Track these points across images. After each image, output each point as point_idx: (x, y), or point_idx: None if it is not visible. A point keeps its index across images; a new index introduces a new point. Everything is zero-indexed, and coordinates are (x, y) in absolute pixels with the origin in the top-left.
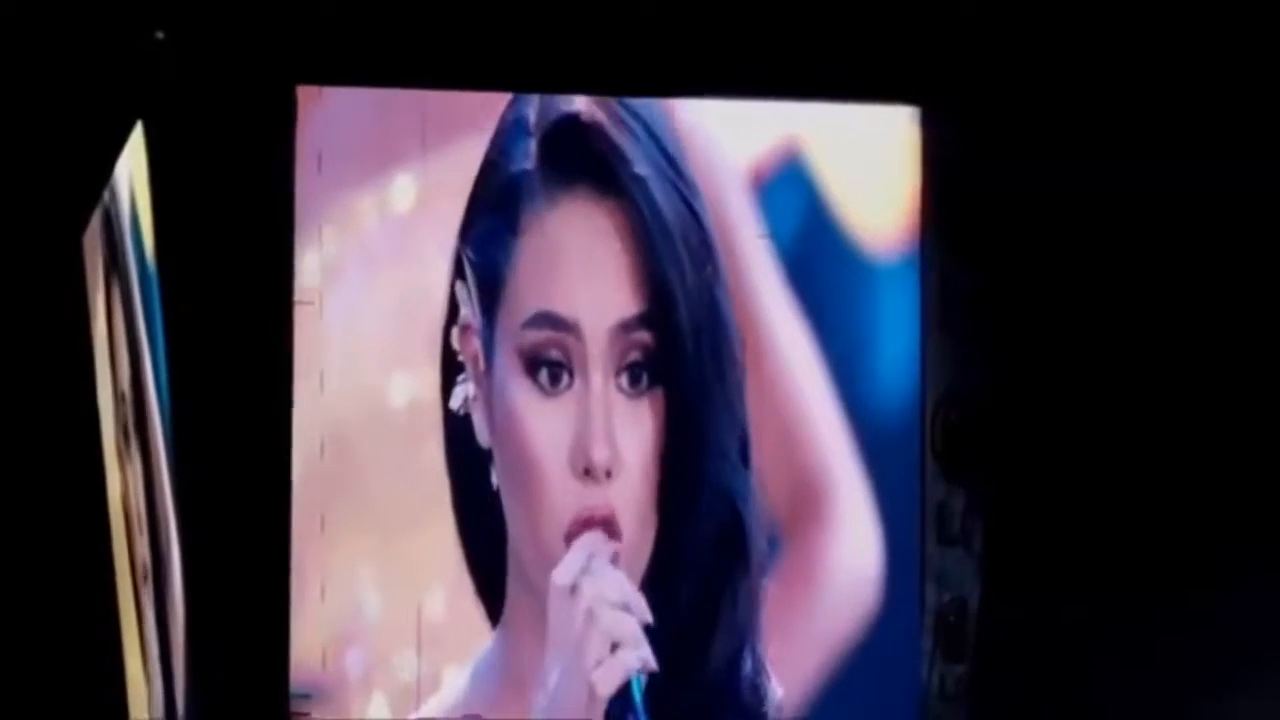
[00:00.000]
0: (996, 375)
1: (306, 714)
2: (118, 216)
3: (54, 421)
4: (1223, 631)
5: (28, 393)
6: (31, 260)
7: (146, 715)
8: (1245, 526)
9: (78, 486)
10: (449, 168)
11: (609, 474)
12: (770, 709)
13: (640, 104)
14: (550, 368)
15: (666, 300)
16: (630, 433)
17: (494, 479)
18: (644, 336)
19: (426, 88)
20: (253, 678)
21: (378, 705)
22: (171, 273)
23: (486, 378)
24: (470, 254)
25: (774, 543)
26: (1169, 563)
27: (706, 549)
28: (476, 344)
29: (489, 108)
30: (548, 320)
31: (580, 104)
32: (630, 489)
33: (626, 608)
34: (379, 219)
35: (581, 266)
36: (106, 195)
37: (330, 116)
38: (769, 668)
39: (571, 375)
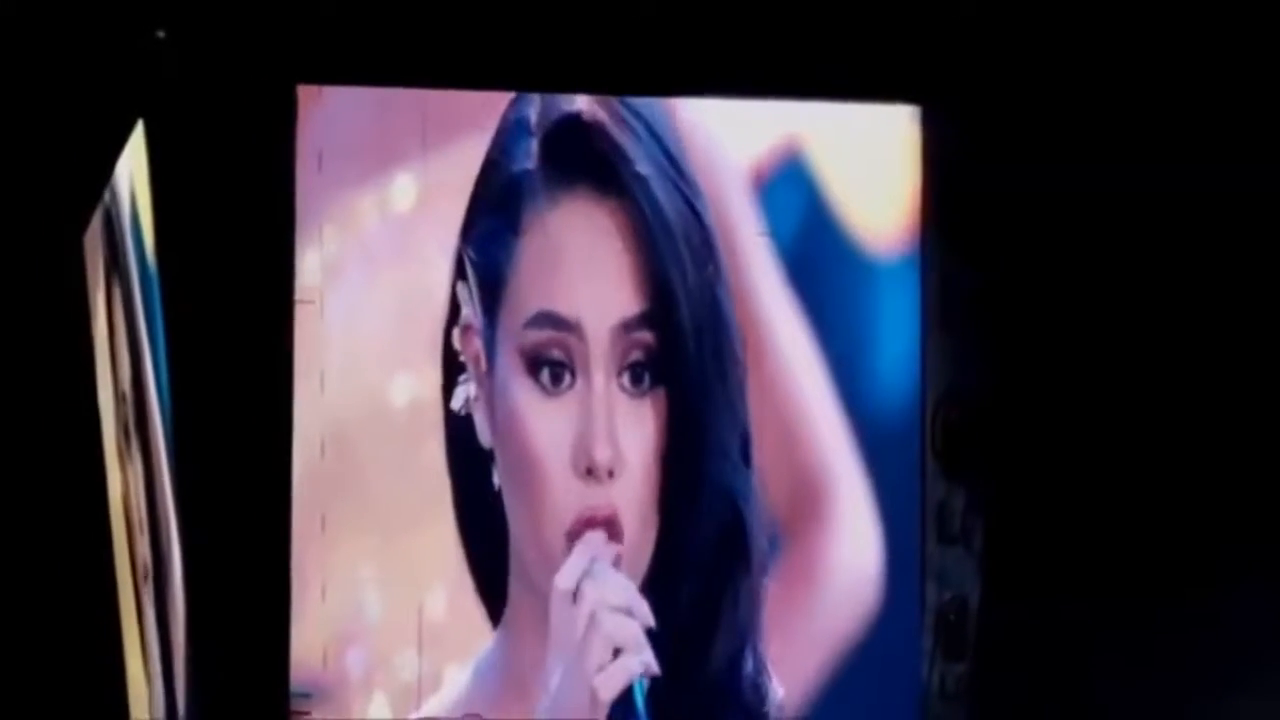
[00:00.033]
0: (997, 374)
1: (307, 713)
2: (118, 216)
3: (55, 421)
4: (1223, 631)
5: (28, 392)
6: (32, 259)
7: (147, 715)
8: (1245, 526)
9: (78, 486)
10: (450, 167)
11: (611, 474)
12: (771, 708)
13: (641, 103)
14: (552, 367)
15: (668, 299)
16: (632, 432)
17: (495, 479)
18: (646, 336)
19: (427, 87)
20: (253, 677)
21: (378, 705)
22: (172, 272)
23: (488, 378)
24: (471, 254)
25: (774, 542)
26: (1169, 562)
27: (708, 548)
28: (478, 344)
29: (490, 107)
30: (549, 320)
31: (582, 103)
32: (632, 489)
33: (629, 612)
34: (379, 218)
35: (583, 266)
36: (107, 194)
37: (331, 116)
38: (770, 667)
39: (573, 375)
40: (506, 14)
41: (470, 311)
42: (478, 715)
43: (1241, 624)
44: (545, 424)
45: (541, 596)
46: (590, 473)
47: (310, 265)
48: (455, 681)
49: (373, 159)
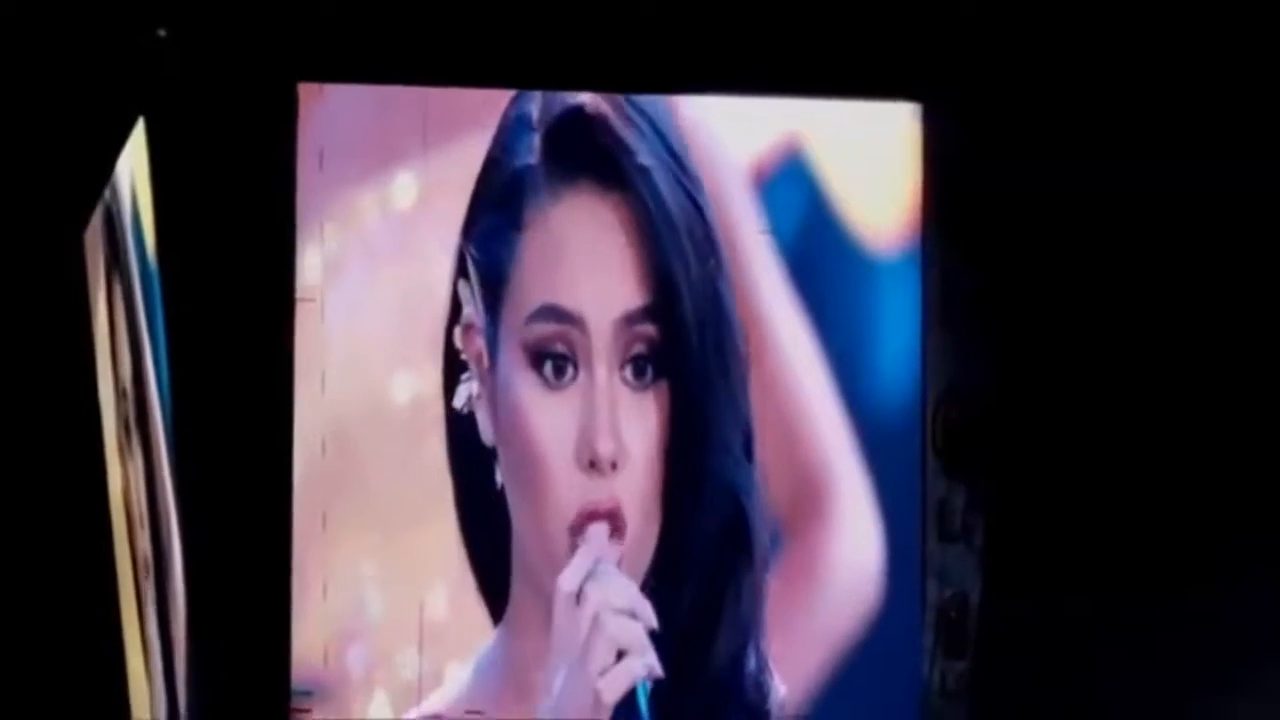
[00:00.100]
0: (997, 371)
1: (308, 711)
2: (119, 214)
3: (55, 419)
4: (1224, 628)
5: (29, 390)
6: (33, 257)
7: (148, 712)
8: (1246, 523)
9: (79, 484)
10: (451, 165)
11: (614, 466)
12: (773, 706)
13: (644, 100)
14: (555, 360)
15: (671, 293)
16: (635, 425)
17: (498, 476)
18: (648, 329)
19: (427, 85)
20: (254, 675)
21: (379, 703)
22: (173, 270)
23: (490, 375)
24: (473, 251)
25: (775, 539)
26: (1170, 559)
27: (711, 543)
28: (480, 342)
29: (491, 105)
30: (552, 313)
31: (584, 97)
32: (635, 481)
33: (633, 614)
34: (380, 216)
35: (586, 260)
36: (108, 192)
37: (331, 114)
38: (771, 665)
39: (576, 368)
40: (507, 12)
41: (472, 310)
42: (479, 712)
43: (1242, 621)
44: (548, 418)
45: (544, 593)
46: (593, 465)
47: (311, 263)
48: (456, 679)
49: (373, 157)
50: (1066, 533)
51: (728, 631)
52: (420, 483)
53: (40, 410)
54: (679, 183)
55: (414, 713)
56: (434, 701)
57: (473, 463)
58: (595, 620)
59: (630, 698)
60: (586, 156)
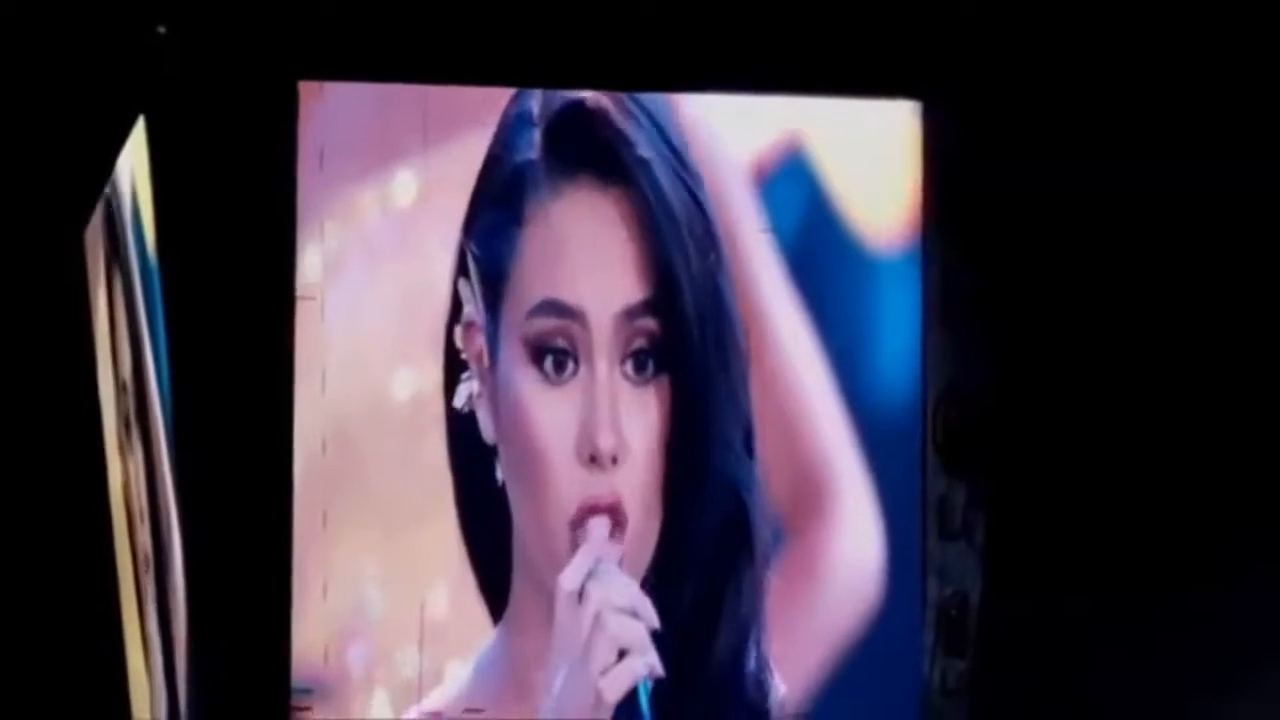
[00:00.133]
0: (998, 369)
1: (308, 709)
2: (119, 212)
3: (55, 417)
4: (1224, 627)
5: (29, 388)
6: (33, 256)
7: (148, 710)
8: (1247, 523)
9: (79, 483)
10: (451, 163)
11: (615, 460)
12: (773, 705)
13: (644, 97)
14: (555, 355)
15: (671, 287)
16: (636, 420)
17: (498, 473)
18: (649, 323)
19: (428, 83)
20: (254, 673)
21: (379, 701)
22: (173, 268)
23: (491, 374)
24: (474, 248)
25: (776, 536)
26: (1170, 557)
27: (712, 538)
28: (480, 340)
29: (491, 102)
30: (553, 308)
31: (585, 92)
32: (636, 476)
33: (634, 613)
34: (381, 214)
35: (586, 254)
36: (108, 190)
37: (332, 112)
38: (772, 663)
39: (576, 363)
40: (507, 10)
41: (473, 308)
42: (479, 711)
43: (1243, 620)
44: (548, 413)
45: (545, 591)
46: (594, 460)
47: (311, 261)
48: (456, 677)
49: (374, 155)
50: (1067, 531)
51: (728, 629)
52: (421, 481)
53: (40, 409)
54: (679, 178)
55: (414, 711)
56: (434, 700)
57: (473, 461)
58: (597, 619)
59: (631, 697)
60: (587, 151)
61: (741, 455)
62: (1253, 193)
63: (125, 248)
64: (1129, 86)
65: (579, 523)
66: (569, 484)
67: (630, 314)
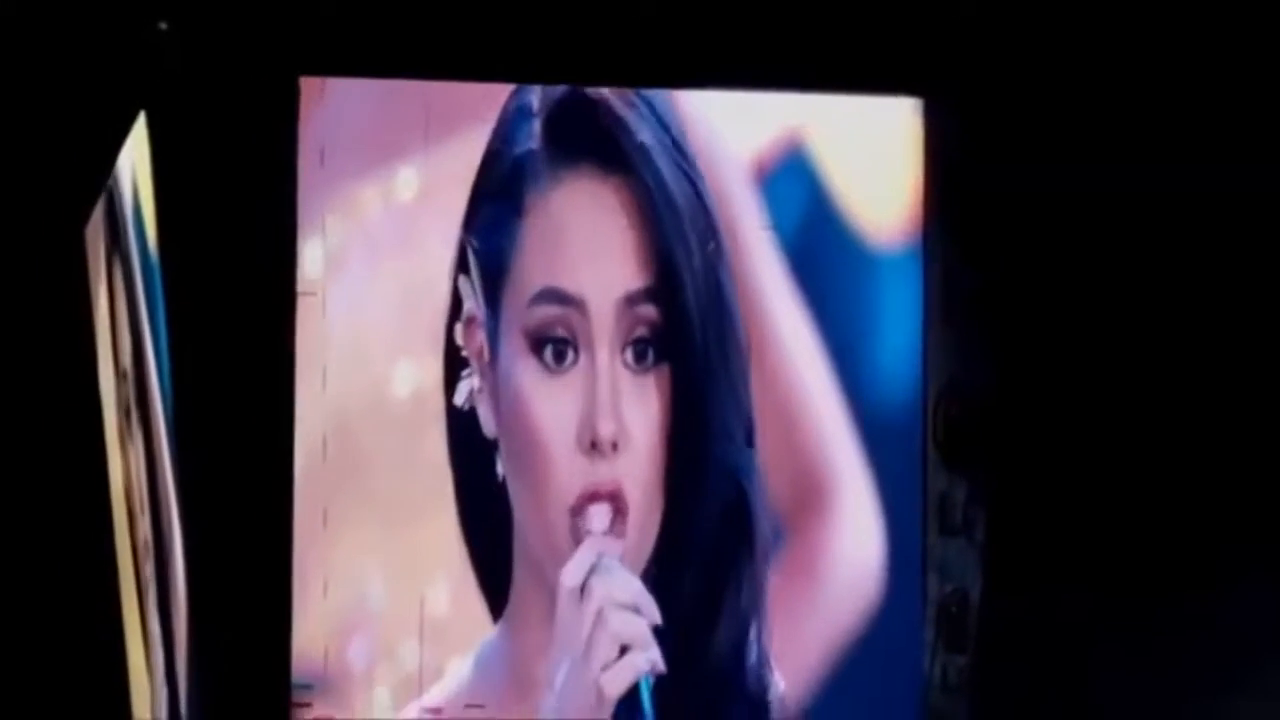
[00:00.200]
0: (999, 367)
1: (308, 704)
2: (120, 208)
3: (56, 416)
4: (1224, 626)
5: (30, 385)
6: (34, 252)
7: (149, 707)
8: (1246, 523)
9: (80, 483)
10: (452, 159)
11: (615, 447)
12: (774, 701)
13: (646, 91)
14: (555, 345)
15: (672, 275)
16: (636, 408)
17: (499, 468)
18: (649, 311)
19: (429, 79)
20: (255, 669)
21: (380, 697)
22: (174, 264)
23: (491, 368)
24: (474, 241)
25: (776, 533)
26: (1171, 556)
27: (713, 528)
28: (481, 336)
29: (492, 98)
30: (553, 296)
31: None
32: (637, 464)
33: (636, 609)
34: (382, 210)
35: (586, 242)
36: (109, 186)
37: (333, 108)
38: (772, 659)
39: (577, 352)
40: (508, 6)
41: (473, 304)
42: (479, 706)
43: (1242, 619)
44: (549, 402)
45: (546, 585)
46: (594, 446)
47: (312, 257)
48: (457, 673)
49: (375, 151)
50: (1068, 528)
51: (729, 621)
52: (422, 477)
53: (41, 407)
54: (680, 168)
55: (415, 707)
56: (434, 696)
57: (474, 457)
58: (599, 615)
59: (633, 693)
60: (587, 140)
61: (742, 446)
62: (1253, 193)
63: (126, 243)
64: (1129, 86)
65: (580, 510)
66: (569, 472)
67: (630, 301)
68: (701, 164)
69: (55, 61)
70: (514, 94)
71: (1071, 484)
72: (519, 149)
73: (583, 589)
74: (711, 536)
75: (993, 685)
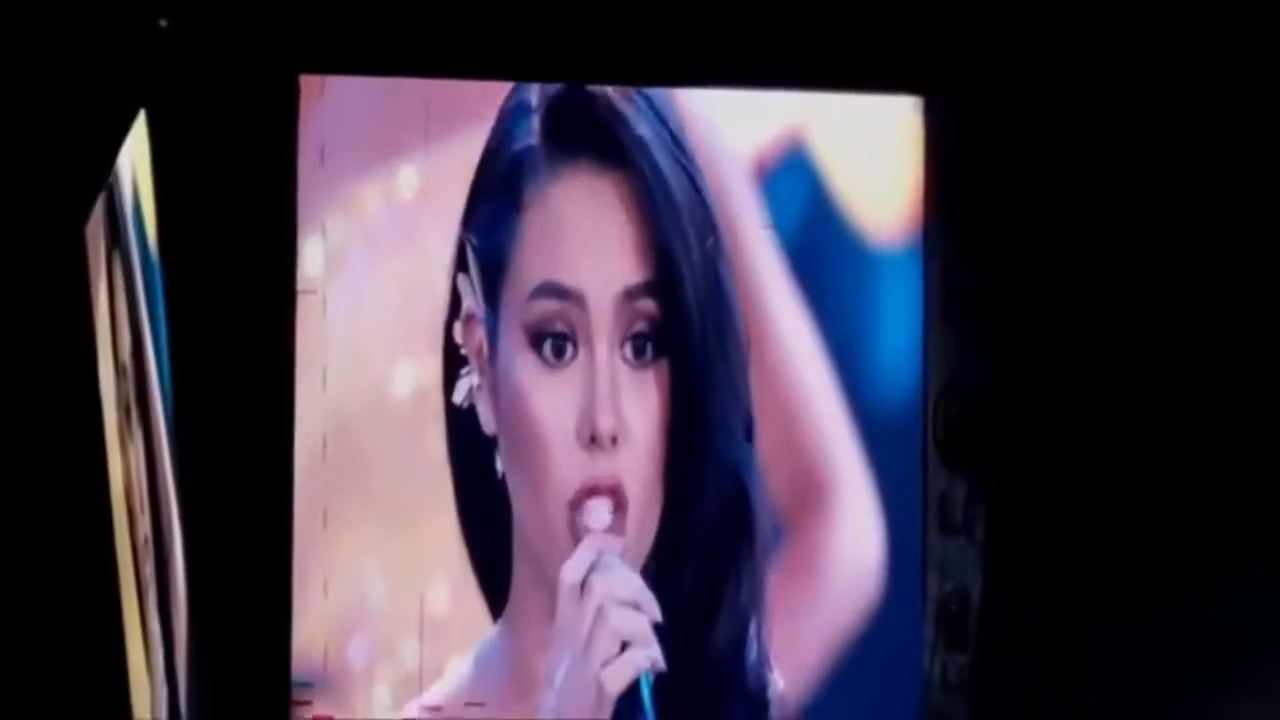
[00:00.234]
0: (999, 366)
1: (308, 703)
2: (120, 206)
3: (56, 416)
4: (1224, 625)
5: (30, 383)
6: (34, 251)
7: (149, 705)
8: (1246, 522)
9: (80, 482)
10: (452, 157)
11: (614, 441)
12: (774, 699)
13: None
14: (554, 340)
15: (671, 269)
16: (635, 403)
17: (498, 465)
18: (648, 305)
19: (429, 77)
20: (255, 667)
21: (380, 695)
22: (174, 262)
23: (490, 365)
24: (473, 239)
25: (776, 531)
26: (1171, 555)
27: (712, 524)
28: (480, 333)
29: (492, 96)
30: (553, 290)
31: None
32: (636, 459)
33: (637, 606)
34: (382, 209)
35: (586, 237)
36: (109, 185)
37: (333, 106)
38: (772, 657)
39: (576, 346)
40: (509, 3)
41: (472, 302)
42: (480, 704)
43: (1242, 618)
44: (548, 397)
45: (546, 581)
46: (594, 440)
47: (312, 256)
48: (457, 671)
49: (375, 149)
50: (1068, 527)
51: (729, 618)
52: (422, 476)
53: (41, 407)
54: (678, 162)
55: (415, 705)
56: (434, 694)
57: (473, 456)
58: (599, 612)
59: (633, 690)
60: (586, 134)
61: (741, 441)
62: (1253, 193)
63: (126, 241)
64: (1129, 86)
65: (579, 504)
66: (569, 467)
67: (629, 295)
68: (701, 161)
69: (55, 59)
70: (513, 90)
71: (1071, 483)
72: (518, 145)
73: (583, 586)
74: (711, 532)
75: (993, 684)
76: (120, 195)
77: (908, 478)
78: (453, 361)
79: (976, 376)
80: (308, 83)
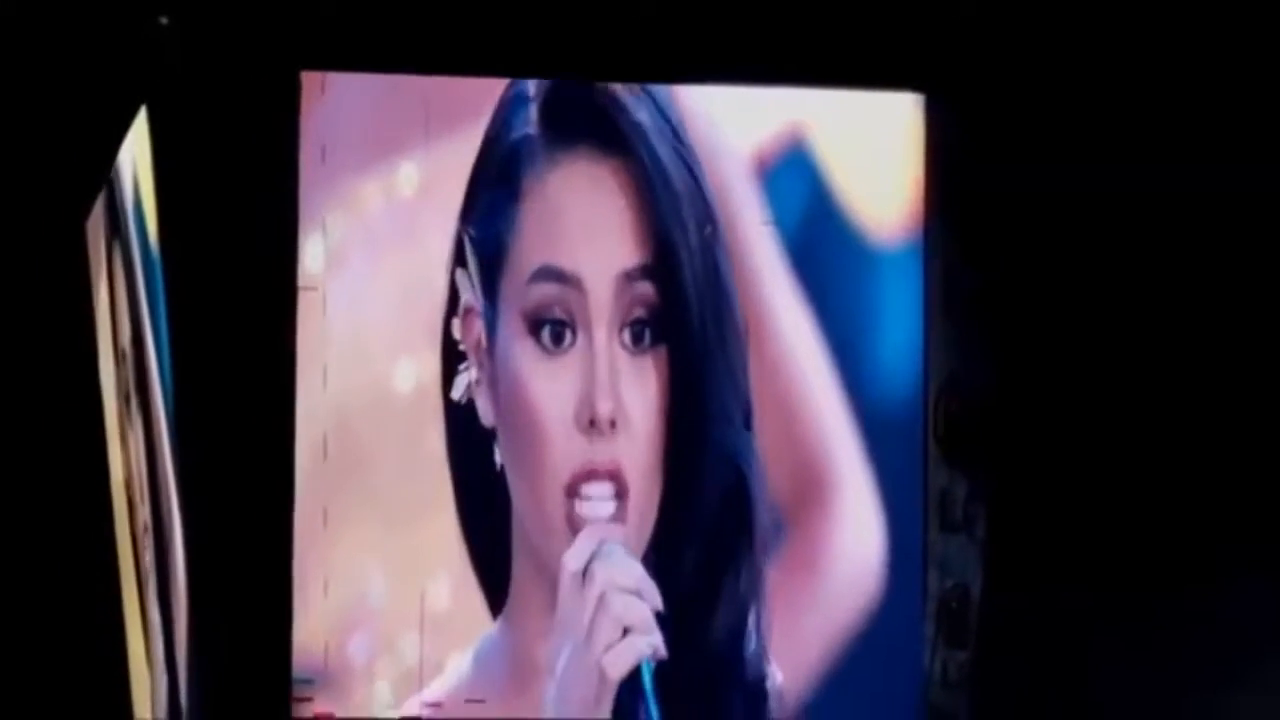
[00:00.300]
0: (1000, 363)
1: (309, 699)
2: (121, 203)
3: (56, 415)
4: (1223, 622)
5: (30, 380)
6: (35, 247)
7: (149, 701)
8: (1246, 519)
9: (80, 475)
10: (453, 154)
11: (613, 425)
12: (773, 692)
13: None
14: (553, 326)
15: (669, 255)
16: (634, 388)
17: (497, 458)
18: (647, 289)
19: (430, 74)
20: (256, 663)
21: (380, 692)
22: (175, 259)
23: (489, 357)
24: (471, 230)
25: (777, 528)
26: (1170, 552)
27: (711, 512)
28: (479, 326)
29: (493, 93)
30: (551, 274)
31: None
32: (635, 445)
33: (638, 593)
34: (383, 205)
35: (584, 222)
36: (110, 181)
37: (334, 103)
38: (772, 651)
39: (574, 333)
40: (509, 1)
41: (470, 296)
42: (480, 701)
43: (1241, 615)
44: (547, 383)
45: (546, 573)
46: (593, 424)
47: (313, 253)
48: (457, 668)
49: (376, 146)
50: (1068, 524)
51: (728, 607)
52: (423, 470)
53: (41, 403)
54: (676, 152)
55: (415, 701)
56: (435, 690)
57: (473, 452)
58: (601, 599)
59: (635, 676)
60: (584, 121)
61: (740, 429)
62: (1253, 193)
63: (127, 237)
64: (1129, 86)
65: (577, 488)
66: (567, 452)
67: (628, 279)
68: (701, 156)
69: (56, 56)
70: (511, 82)
71: (1071, 480)
72: (516, 135)
73: (585, 574)
74: (710, 520)
75: (993, 681)
76: (121, 191)
77: (908, 475)
78: (451, 358)
79: (977, 374)
80: (309, 80)
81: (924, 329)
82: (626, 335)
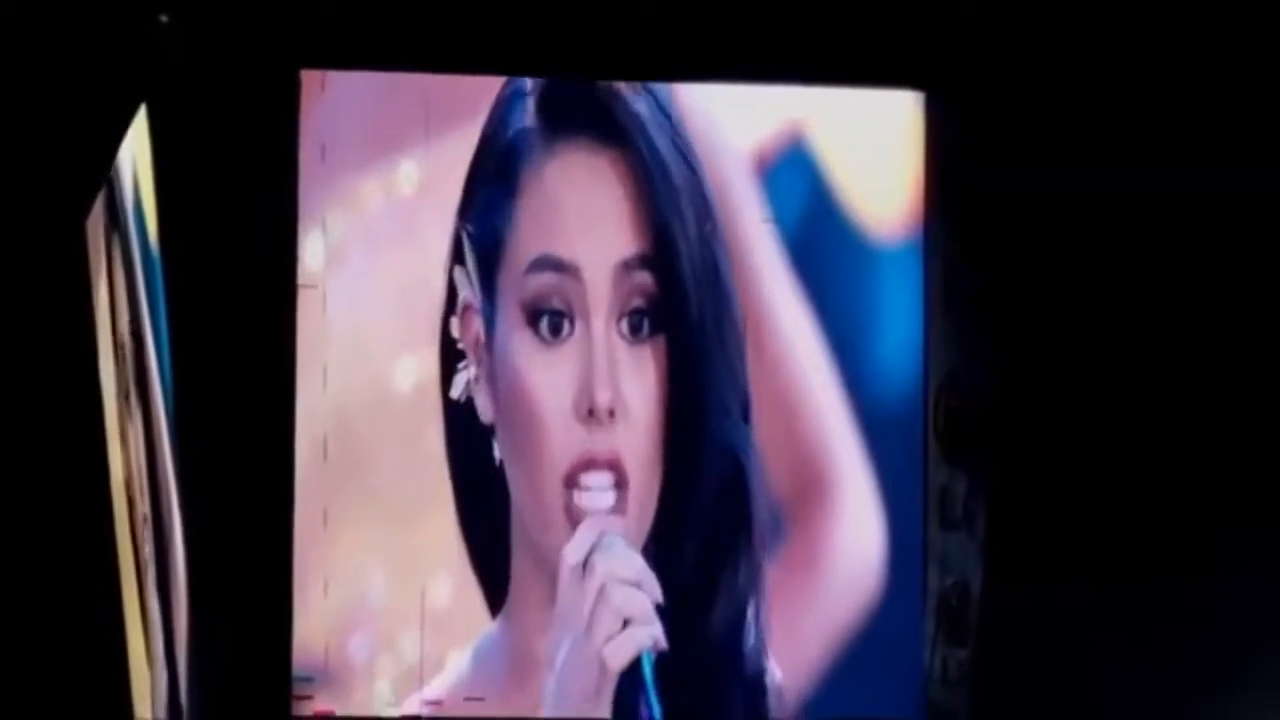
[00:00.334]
0: (999, 360)
1: (310, 697)
2: (121, 201)
3: (56, 413)
4: (1223, 617)
5: (30, 378)
6: (35, 246)
7: (149, 699)
8: (1245, 514)
9: (80, 472)
10: (452, 152)
11: (612, 414)
12: (773, 688)
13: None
14: (551, 317)
15: (667, 245)
16: (633, 378)
17: (496, 454)
18: (645, 279)
19: (430, 72)
20: (256, 662)
21: (381, 689)
22: (175, 257)
23: (488, 351)
24: (469, 226)
25: (777, 525)
26: (1170, 548)
27: (710, 504)
28: (477, 322)
29: (492, 92)
30: (549, 263)
31: None
32: (634, 434)
33: (638, 585)
34: (382, 204)
35: (582, 212)
36: (110, 179)
37: (334, 101)
38: (772, 647)
39: (572, 323)
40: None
41: (469, 292)
42: (480, 699)
43: (1241, 611)
44: (546, 373)
45: (545, 567)
46: (591, 414)
47: (313, 250)
48: (457, 665)
49: (376, 144)
50: (1068, 521)
51: (727, 598)
52: (422, 470)
53: (41, 401)
54: (675, 145)
55: (415, 699)
56: (435, 688)
57: (472, 450)
58: (601, 591)
59: (635, 667)
60: (582, 114)
61: (738, 421)
62: (1253, 193)
63: (127, 235)
64: (1129, 86)
65: (576, 478)
66: (566, 443)
67: (625, 268)
68: (701, 154)
69: (56, 54)
70: (509, 79)
71: (1071, 477)
72: (513, 129)
73: (585, 566)
74: (709, 512)
75: (993, 678)
76: (121, 189)
77: (908, 472)
78: (450, 357)
79: (977, 371)
80: (308, 78)
81: (924, 326)
82: (625, 325)
